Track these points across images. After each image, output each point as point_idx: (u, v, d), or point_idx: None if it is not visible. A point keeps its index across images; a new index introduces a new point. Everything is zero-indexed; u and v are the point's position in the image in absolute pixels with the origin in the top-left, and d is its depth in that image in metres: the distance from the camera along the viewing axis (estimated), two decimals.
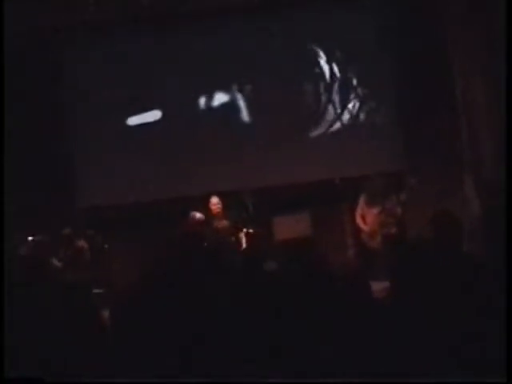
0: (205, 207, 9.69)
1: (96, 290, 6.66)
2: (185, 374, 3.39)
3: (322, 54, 10.50)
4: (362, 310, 3.63)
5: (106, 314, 4.31)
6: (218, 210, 9.66)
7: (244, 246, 9.46)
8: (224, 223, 9.53)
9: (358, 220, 9.43)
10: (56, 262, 9.27)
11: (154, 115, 10.75)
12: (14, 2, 8.96)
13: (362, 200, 9.44)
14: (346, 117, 10.54)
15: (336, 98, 10.54)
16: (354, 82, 10.48)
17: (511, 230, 4.78)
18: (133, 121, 10.77)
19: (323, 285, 3.82)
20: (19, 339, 3.81)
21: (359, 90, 10.49)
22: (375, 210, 9.27)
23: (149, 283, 4.18)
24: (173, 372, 3.42)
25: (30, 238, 9.54)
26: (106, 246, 9.92)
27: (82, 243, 9.48)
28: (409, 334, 3.49)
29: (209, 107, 10.78)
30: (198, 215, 9.48)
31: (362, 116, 10.50)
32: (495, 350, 3.34)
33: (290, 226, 9.80)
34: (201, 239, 8.21)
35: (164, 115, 10.73)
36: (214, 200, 9.71)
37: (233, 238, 9.45)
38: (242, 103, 10.71)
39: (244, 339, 3.56)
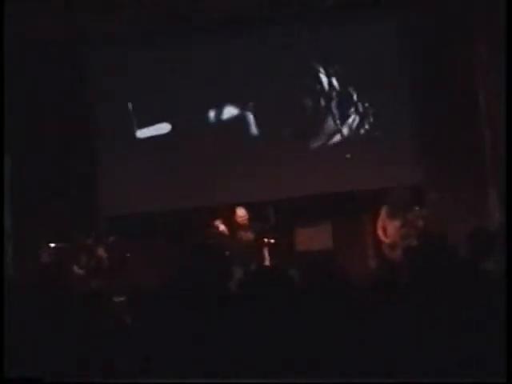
0: (227, 218, 9.69)
1: (117, 298, 6.67)
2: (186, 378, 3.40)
3: (336, 67, 10.45)
4: (380, 320, 3.62)
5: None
6: (245, 222, 9.67)
7: (267, 257, 9.44)
8: (248, 235, 9.53)
9: (379, 232, 9.38)
10: (77, 270, 9.34)
11: (177, 125, 10.77)
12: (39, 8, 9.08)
13: (383, 212, 9.39)
14: (368, 129, 10.49)
15: (360, 110, 10.49)
16: (374, 93, 10.43)
17: None
18: (157, 130, 10.79)
19: (342, 296, 3.81)
20: (19, 339, 3.82)
21: (380, 103, 10.43)
22: (397, 223, 9.22)
23: (168, 291, 4.18)
24: (175, 374, 3.43)
25: (51, 245, 9.61)
26: (128, 254, 9.95)
27: (102, 252, 9.56)
28: (409, 334, 3.50)
29: (230, 118, 10.79)
30: (222, 226, 9.50)
31: (384, 128, 10.44)
32: (495, 350, 3.34)
33: (311, 237, 9.79)
34: (221, 250, 8.23)
35: (188, 125, 10.73)
36: (241, 212, 9.71)
37: (256, 250, 9.42)
38: (258, 116, 10.70)
39: (259, 349, 3.56)
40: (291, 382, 3.32)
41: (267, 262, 9.31)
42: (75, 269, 9.33)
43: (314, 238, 9.81)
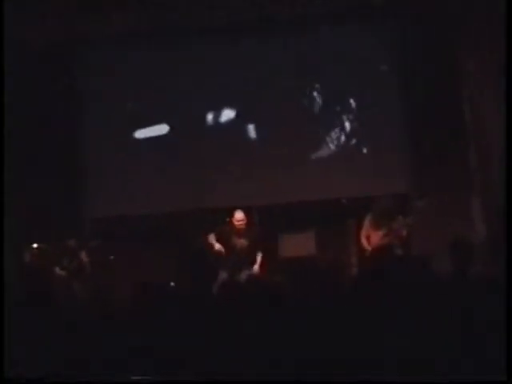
0: (215, 222, 9.64)
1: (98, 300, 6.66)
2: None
3: (328, 73, 10.48)
4: (373, 322, 3.66)
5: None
6: (242, 227, 9.24)
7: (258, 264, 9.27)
8: (243, 242, 9.28)
9: (363, 240, 9.39)
10: (59, 272, 9.31)
11: (165, 128, 10.76)
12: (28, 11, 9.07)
13: (367, 221, 9.40)
14: (354, 137, 10.52)
15: (345, 117, 10.53)
16: (362, 102, 10.47)
17: None
18: (144, 133, 10.77)
19: (325, 301, 3.84)
20: (19, 339, 3.82)
21: (368, 111, 10.47)
22: (381, 232, 9.24)
23: (150, 296, 4.20)
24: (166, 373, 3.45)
25: (34, 246, 9.56)
26: (112, 257, 9.93)
27: (84, 255, 9.52)
28: (409, 334, 3.52)
29: (220, 123, 10.79)
30: (212, 238, 9.25)
31: (370, 137, 10.48)
32: (495, 350, 3.37)
33: (295, 244, 9.79)
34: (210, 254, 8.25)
35: (174, 128, 10.74)
36: (239, 215, 9.26)
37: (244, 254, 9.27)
38: (251, 121, 10.71)
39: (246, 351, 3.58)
40: (292, 381, 3.35)
41: (254, 267, 9.27)
42: (58, 270, 9.31)
43: (298, 245, 9.79)
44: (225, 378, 3.40)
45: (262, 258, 9.28)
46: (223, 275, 8.97)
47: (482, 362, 3.38)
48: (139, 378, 3.46)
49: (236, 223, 9.21)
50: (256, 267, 9.15)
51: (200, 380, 3.40)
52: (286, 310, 3.89)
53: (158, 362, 3.56)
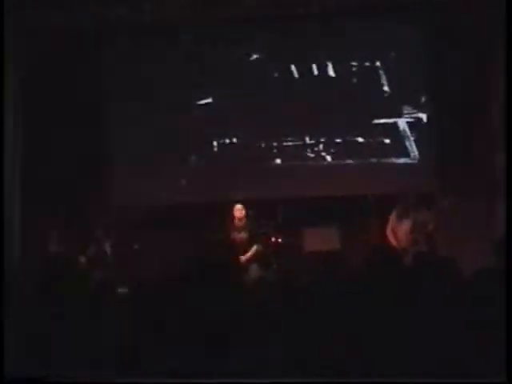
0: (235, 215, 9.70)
1: (121, 290, 6.69)
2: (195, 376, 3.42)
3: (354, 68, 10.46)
4: (383, 320, 3.66)
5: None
6: (241, 216, 9.65)
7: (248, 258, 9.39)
8: (242, 235, 9.54)
9: (389, 236, 9.40)
10: (83, 260, 9.36)
11: (191, 118, 10.73)
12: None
13: (393, 215, 9.41)
14: (380, 134, 10.50)
15: (371, 116, 10.51)
16: (391, 100, 10.45)
17: None
18: (169, 123, 10.78)
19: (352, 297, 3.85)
20: (19, 339, 3.83)
21: (396, 109, 10.45)
22: (406, 225, 9.24)
23: (174, 285, 4.20)
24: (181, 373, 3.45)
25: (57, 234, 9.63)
26: (136, 246, 9.97)
27: (109, 244, 9.58)
28: (410, 334, 3.53)
29: (243, 116, 10.72)
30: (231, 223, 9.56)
31: (396, 134, 10.47)
32: (495, 350, 3.37)
33: (319, 239, 9.80)
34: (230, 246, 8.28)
35: (197, 119, 10.72)
36: (238, 206, 9.71)
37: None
38: (275, 116, 10.71)
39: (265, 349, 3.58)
40: (292, 381, 3.35)
41: (275, 262, 9.31)
42: (82, 261, 9.36)
43: (322, 240, 9.79)
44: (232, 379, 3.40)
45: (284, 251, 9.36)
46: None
47: (481, 363, 3.38)
48: (142, 379, 3.46)
49: (236, 213, 9.61)
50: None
51: (203, 382, 3.41)
52: (306, 305, 3.89)
53: (163, 363, 3.56)
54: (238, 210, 9.67)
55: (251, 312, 3.83)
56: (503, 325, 3.47)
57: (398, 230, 9.31)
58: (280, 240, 9.87)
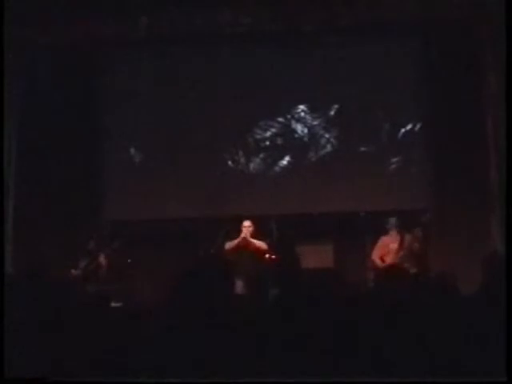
0: (232, 230, 9.67)
1: (114, 304, 6.67)
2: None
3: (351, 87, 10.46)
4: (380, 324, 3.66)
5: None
6: (249, 234, 9.54)
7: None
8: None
9: (376, 258, 9.39)
10: (76, 273, 9.34)
11: (188, 132, 10.72)
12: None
13: (382, 238, 9.41)
14: (373, 152, 10.49)
15: (366, 132, 10.51)
16: (383, 117, 10.46)
17: None
18: (165, 137, 10.76)
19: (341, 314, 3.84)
20: (19, 339, 3.82)
21: (388, 127, 10.46)
22: (394, 246, 9.22)
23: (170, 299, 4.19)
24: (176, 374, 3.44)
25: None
26: (129, 260, 9.94)
27: (103, 257, 9.55)
28: (409, 334, 3.53)
29: (242, 129, 10.81)
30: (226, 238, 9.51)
31: (390, 152, 10.47)
32: (495, 350, 3.36)
33: (313, 256, 9.79)
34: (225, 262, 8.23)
35: (198, 132, 10.70)
36: (247, 223, 9.59)
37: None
38: (273, 131, 10.72)
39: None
40: (292, 382, 3.34)
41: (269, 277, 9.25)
42: (74, 271, 9.34)
43: (315, 257, 9.78)
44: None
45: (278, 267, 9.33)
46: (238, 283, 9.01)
47: (481, 363, 3.38)
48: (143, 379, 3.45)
49: (244, 229, 9.50)
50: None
51: (203, 382, 3.40)
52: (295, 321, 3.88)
53: (163, 363, 3.55)
54: (246, 228, 9.58)
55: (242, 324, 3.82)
56: (503, 325, 3.47)
57: (387, 253, 9.27)
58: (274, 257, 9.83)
